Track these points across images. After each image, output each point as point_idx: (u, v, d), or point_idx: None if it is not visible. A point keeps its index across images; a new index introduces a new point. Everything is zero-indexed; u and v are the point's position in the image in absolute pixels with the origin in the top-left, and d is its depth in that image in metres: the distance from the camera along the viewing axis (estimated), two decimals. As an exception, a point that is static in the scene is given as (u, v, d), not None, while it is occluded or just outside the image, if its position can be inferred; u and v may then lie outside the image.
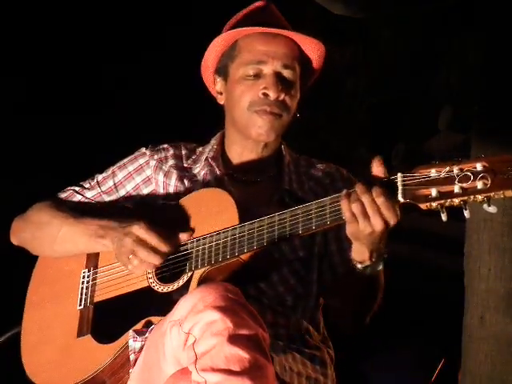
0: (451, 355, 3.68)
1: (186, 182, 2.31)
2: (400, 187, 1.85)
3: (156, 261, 2.07)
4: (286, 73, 2.24)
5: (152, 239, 2.08)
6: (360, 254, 1.98)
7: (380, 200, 1.84)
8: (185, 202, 2.20)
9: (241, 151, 2.33)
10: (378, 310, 2.19)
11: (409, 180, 1.85)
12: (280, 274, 2.18)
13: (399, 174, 1.88)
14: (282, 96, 2.22)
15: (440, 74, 4.27)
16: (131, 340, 2.02)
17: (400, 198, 1.85)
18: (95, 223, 2.21)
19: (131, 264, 2.10)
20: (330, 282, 2.23)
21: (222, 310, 1.74)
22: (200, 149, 2.41)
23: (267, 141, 2.27)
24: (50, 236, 2.29)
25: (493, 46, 3.41)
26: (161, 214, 2.23)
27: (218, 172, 2.31)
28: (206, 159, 2.34)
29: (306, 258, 2.22)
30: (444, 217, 1.81)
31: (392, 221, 1.86)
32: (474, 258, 3.39)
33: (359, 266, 2.00)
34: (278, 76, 2.22)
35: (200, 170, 2.33)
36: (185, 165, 2.36)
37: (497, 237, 3.33)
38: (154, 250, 2.08)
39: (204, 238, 2.08)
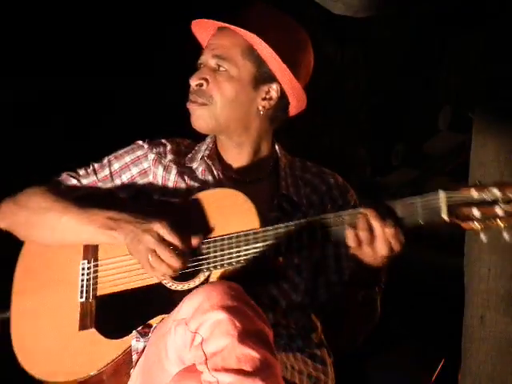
0: (451, 355, 3.68)
1: (186, 178, 2.30)
2: (444, 206, 1.89)
3: (178, 264, 2.03)
4: (213, 62, 2.25)
5: (175, 241, 2.04)
6: (361, 274, 2.04)
7: (390, 231, 1.93)
8: (201, 200, 2.16)
9: (228, 150, 2.34)
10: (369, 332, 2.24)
11: (452, 199, 1.89)
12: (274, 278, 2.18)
13: (441, 192, 1.91)
14: (204, 84, 2.24)
15: (440, 74, 4.26)
16: (134, 340, 2.02)
17: (445, 217, 1.89)
18: (103, 214, 2.15)
19: (150, 264, 2.04)
20: (325, 300, 2.23)
21: (229, 309, 1.74)
22: (196, 147, 2.40)
23: (200, 130, 2.28)
24: (49, 222, 2.22)
25: (493, 46, 3.41)
26: (175, 212, 2.19)
27: (214, 171, 2.30)
28: (202, 157, 2.34)
29: (301, 267, 2.21)
30: (484, 238, 1.87)
31: (396, 248, 1.96)
32: (473, 258, 3.39)
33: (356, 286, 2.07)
34: (205, 66, 2.27)
35: (198, 167, 2.33)
36: (182, 161, 2.35)
37: (496, 237, 3.33)
38: (177, 253, 2.04)
39: (222, 239, 2.07)
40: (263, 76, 2.24)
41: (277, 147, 2.36)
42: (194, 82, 2.26)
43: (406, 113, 4.49)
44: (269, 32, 2.21)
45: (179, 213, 2.17)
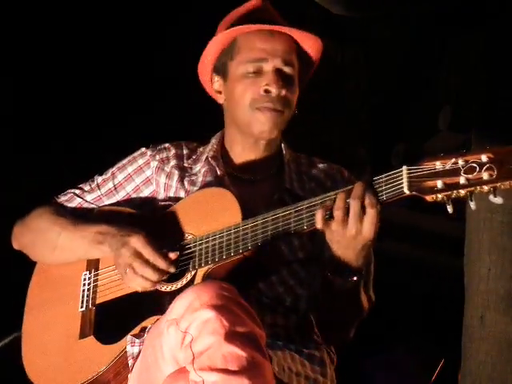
0: (451, 355, 3.68)
1: (185, 182, 2.31)
2: (405, 179, 1.87)
3: (153, 277, 2.06)
4: (287, 69, 2.24)
5: (150, 255, 2.07)
6: (333, 261, 2.00)
7: (372, 211, 1.89)
8: (186, 201, 2.20)
9: (241, 150, 2.33)
10: (359, 325, 2.20)
11: (414, 173, 1.87)
12: (279, 275, 2.18)
13: (404, 167, 1.90)
14: (284, 92, 2.22)
15: (440, 74, 4.27)
16: (129, 345, 2.02)
17: (406, 191, 1.87)
18: (93, 230, 2.20)
19: (127, 276, 2.08)
20: (319, 289, 2.22)
21: (218, 308, 1.74)
22: (201, 148, 2.41)
23: (269, 138, 2.27)
24: (49, 243, 2.29)
25: (492, 46, 3.41)
26: (162, 216, 2.22)
27: (218, 171, 2.31)
28: (207, 159, 2.34)
29: (306, 260, 2.21)
30: (450, 209, 1.83)
31: (370, 231, 1.91)
32: (473, 258, 3.39)
33: (330, 274, 2.02)
34: (278, 72, 2.22)
35: (200, 169, 2.33)
36: (185, 164, 2.36)
37: (497, 237, 3.33)
38: (152, 266, 2.06)
39: (207, 237, 2.08)
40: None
41: (282, 144, 2.37)
42: (276, 89, 2.21)
43: (406, 113, 4.48)
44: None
45: (168, 217, 2.19)
